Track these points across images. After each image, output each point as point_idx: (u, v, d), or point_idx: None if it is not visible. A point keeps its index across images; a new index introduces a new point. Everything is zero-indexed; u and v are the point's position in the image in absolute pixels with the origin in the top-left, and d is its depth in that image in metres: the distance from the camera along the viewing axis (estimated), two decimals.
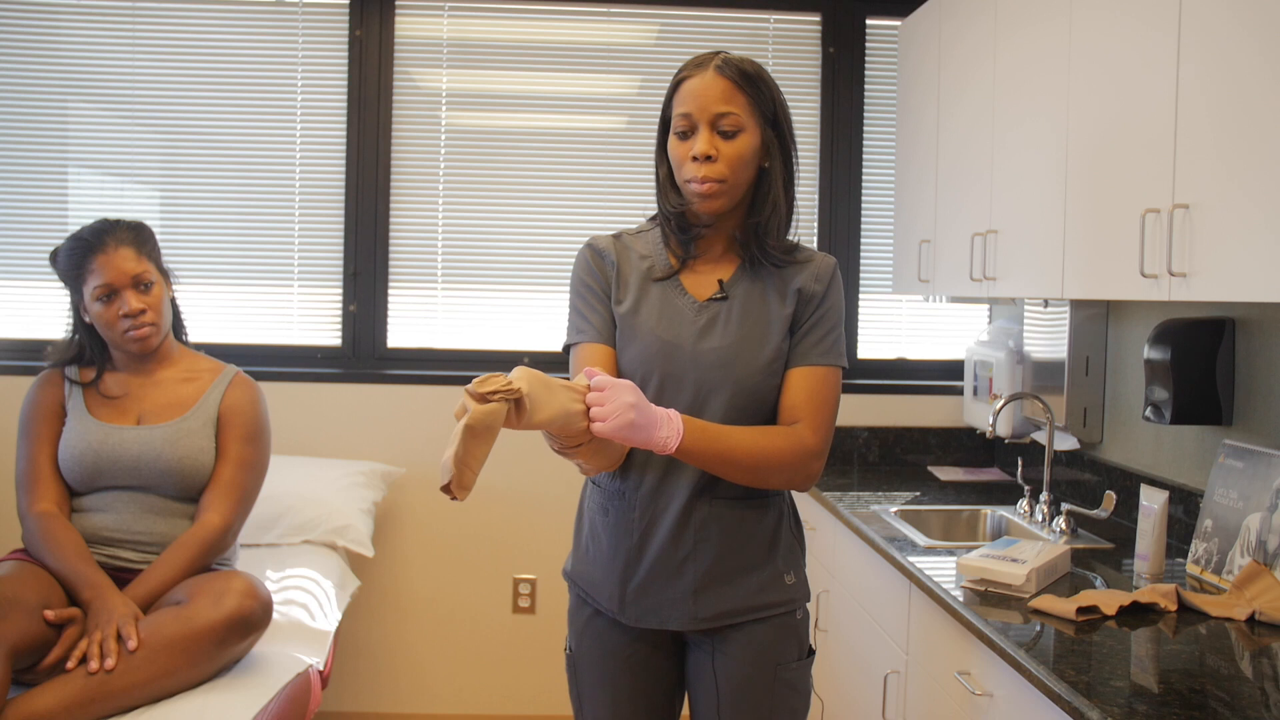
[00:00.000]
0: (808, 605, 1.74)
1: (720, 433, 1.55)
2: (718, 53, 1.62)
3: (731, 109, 1.58)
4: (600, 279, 1.70)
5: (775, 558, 1.68)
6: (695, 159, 1.58)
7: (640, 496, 1.64)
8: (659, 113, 1.68)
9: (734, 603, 1.65)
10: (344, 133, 3.43)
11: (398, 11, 3.43)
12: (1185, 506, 2.35)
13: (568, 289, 1.73)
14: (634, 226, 1.77)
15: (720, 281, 1.67)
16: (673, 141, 1.63)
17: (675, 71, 1.65)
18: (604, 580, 1.69)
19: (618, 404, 1.41)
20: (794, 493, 3.23)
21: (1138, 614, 1.86)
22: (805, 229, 3.36)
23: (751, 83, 1.59)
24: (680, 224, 1.66)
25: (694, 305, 1.66)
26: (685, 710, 1.78)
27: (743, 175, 1.61)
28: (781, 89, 1.66)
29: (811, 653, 1.74)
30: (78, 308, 2.26)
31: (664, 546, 1.64)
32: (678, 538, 1.63)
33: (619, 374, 1.66)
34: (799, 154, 1.68)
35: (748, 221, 1.65)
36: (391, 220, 3.45)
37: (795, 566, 1.71)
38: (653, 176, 1.71)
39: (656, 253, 1.70)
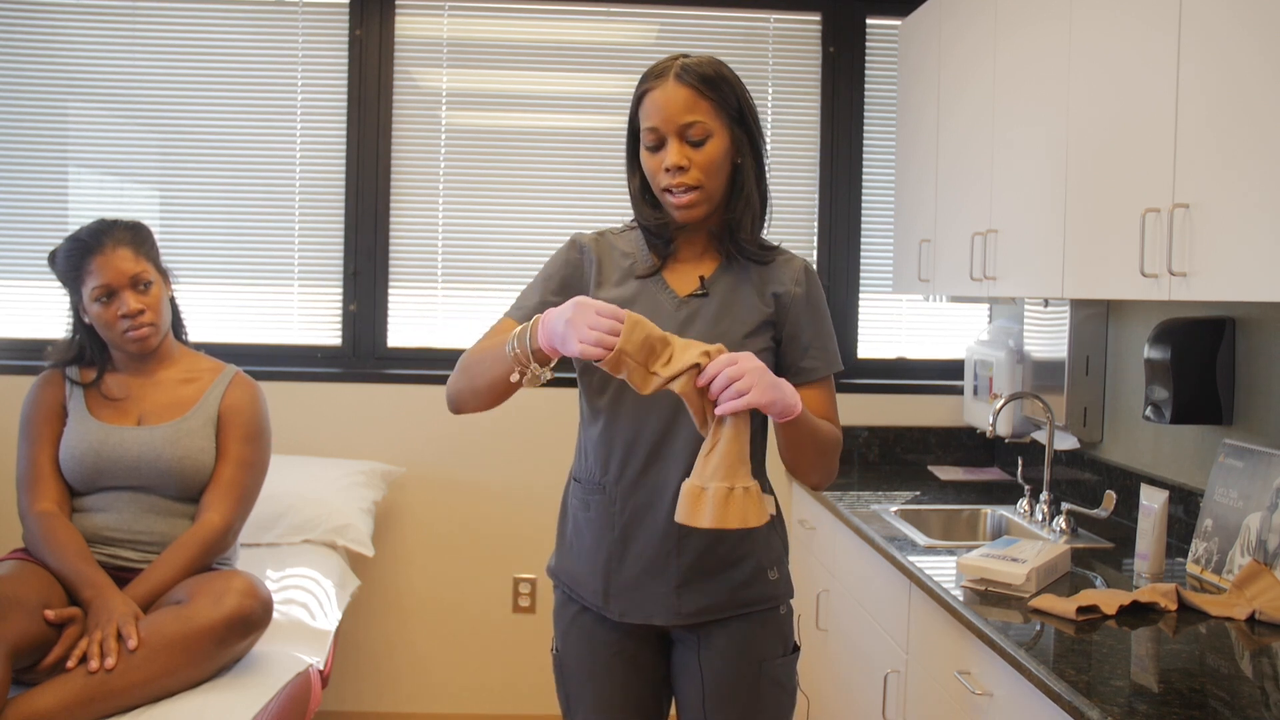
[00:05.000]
0: (792, 602, 1.75)
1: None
2: (676, 58, 1.62)
3: (696, 117, 1.58)
4: (569, 271, 1.71)
5: (758, 554, 1.69)
6: (668, 170, 1.60)
7: (620, 490, 1.65)
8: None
9: (717, 598, 1.66)
10: (344, 132, 3.42)
11: (398, 11, 3.43)
12: (1185, 506, 2.35)
13: None
14: (618, 226, 1.77)
15: (701, 278, 1.68)
16: (645, 155, 1.64)
17: (639, 81, 1.64)
18: (588, 575, 1.70)
19: (754, 367, 1.43)
20: (793, 492, 3.24)
21: (1138, 613, 1.86)
22: (805, 228, 3.36)
23: (713, 86, 1.59)
24: (659, 232, 1.68)
25: (675, 300, 1.67)
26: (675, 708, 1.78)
27: (718, 179, 1.62)
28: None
29: (796, 649, 1.75)
30: (77, 308, 2.26)
31: (647, 541, 1.65)
32: (661, 532, 1.63)
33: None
34: (769, 145, 1.69)
35: (724, 218, 1.67)
36: (391, 220, 3.45)
37: (779, 563, 1.72)
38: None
39: (639, 250, 1.71)
